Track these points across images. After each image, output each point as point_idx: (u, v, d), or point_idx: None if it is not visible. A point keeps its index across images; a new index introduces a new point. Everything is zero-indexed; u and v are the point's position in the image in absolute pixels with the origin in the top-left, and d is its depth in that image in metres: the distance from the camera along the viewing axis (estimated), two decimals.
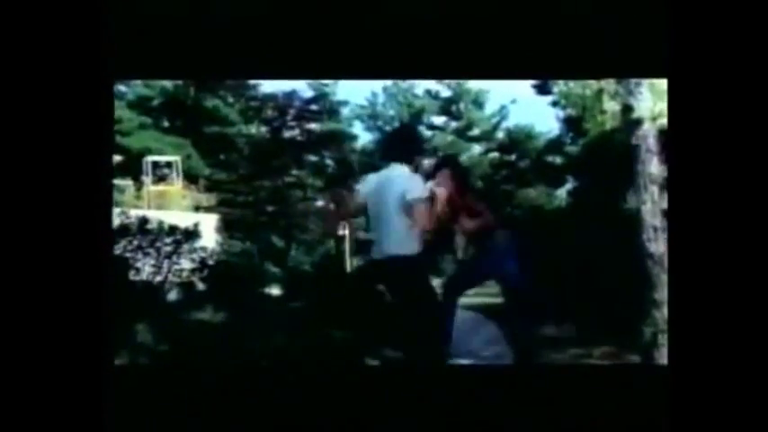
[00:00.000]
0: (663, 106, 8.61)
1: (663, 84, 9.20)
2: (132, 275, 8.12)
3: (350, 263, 23.37)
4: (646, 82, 4.76)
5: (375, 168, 5.16)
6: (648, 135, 4.75)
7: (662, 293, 4.55)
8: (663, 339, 4.53)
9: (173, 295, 8.80)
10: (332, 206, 5.71)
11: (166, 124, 30.63)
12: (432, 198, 4.54)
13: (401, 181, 4.43)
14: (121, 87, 28.44)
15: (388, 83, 36.47)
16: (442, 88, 36.54)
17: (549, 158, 30.69)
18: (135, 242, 8.36)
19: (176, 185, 25.46)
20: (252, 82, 30.56)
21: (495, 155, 35.39)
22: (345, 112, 35.66)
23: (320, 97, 33.47)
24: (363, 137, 36.64)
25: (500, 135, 35.93)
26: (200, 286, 9.11)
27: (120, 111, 26.28)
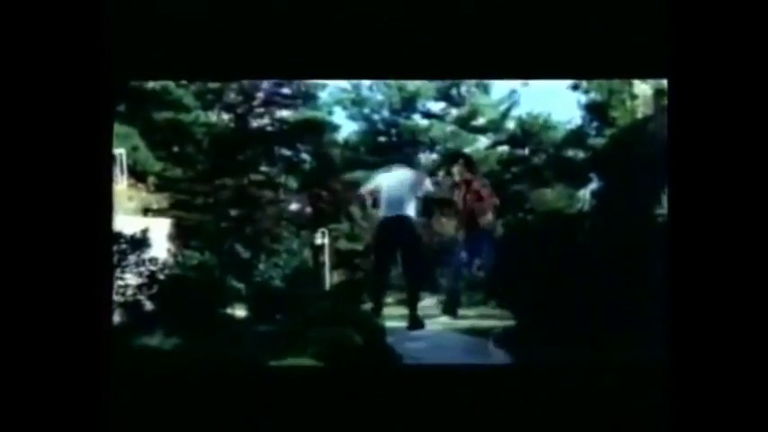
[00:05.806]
0: None
1: None
2: None
3: (329, 278, 23.34)
4: None
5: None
6: None
7: None
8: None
9: (115, 317, 8.74)
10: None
11: None
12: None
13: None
14: None
15: None
16: None
17: (570, 153, 30.69)
18: None
19: (120, 184, 25.30)
20: None
21: (504, 149, 35.11)
22: (324, 96, 34.72)
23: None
24: (347, 126, 36.05)
25: (510, 125, 35.53)
26: (149, 306, 9.07)
27: None
